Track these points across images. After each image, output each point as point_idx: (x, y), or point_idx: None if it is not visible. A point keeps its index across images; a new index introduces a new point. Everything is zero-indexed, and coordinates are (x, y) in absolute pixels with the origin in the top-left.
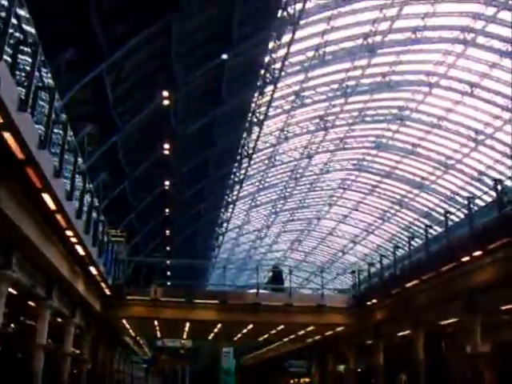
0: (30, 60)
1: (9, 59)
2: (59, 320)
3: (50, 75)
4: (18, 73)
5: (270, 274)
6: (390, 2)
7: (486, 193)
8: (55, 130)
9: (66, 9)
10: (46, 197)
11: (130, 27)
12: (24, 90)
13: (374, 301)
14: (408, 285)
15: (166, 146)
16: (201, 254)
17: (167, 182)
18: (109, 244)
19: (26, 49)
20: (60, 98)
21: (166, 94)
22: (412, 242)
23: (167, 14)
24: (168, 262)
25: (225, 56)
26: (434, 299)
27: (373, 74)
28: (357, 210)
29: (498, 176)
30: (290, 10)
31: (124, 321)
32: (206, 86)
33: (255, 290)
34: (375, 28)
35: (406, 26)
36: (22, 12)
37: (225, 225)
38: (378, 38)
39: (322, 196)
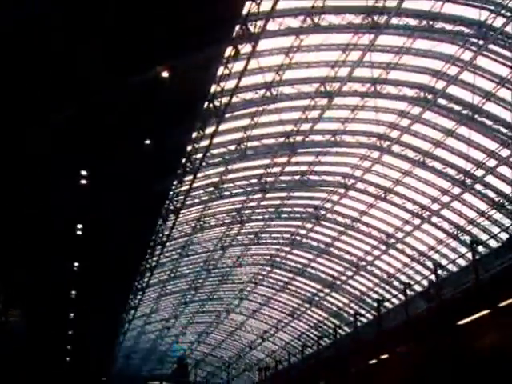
0: None
1: None
2: None
3: None
4: None
5: (175, 366)
6: (312, 104)
7: (395, 296)
8: None
9: None
10: None
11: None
12: None
13: None
14: None
15: (79, 225)
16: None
17: (76, 264)
18: None
19: None
20: None
21: (84, 172)
22: (320, 342)
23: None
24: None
25: (147, 141)
26: None
27: (291, 172)
28: (267, 306)
29: (406, 280)
30: (217, 102)
31: None
32: (125, 170)
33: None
34: (297, 128)
35: (326, 128)
36: None
37: (132, 312)
38: (298, 138)
39: (233, 289)
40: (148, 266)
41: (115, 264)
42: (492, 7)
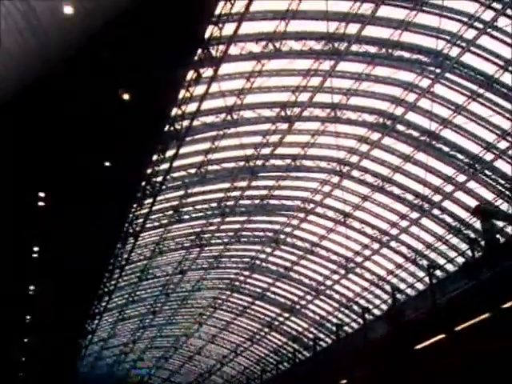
0: None
1: None
2: None
3: None
4: None
5: None
6: (273, 128)
7: (354, 320)
8: None
9: None
10: None
11: None
12: None
13: None
14: None
15: (36, 248)
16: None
17: (32, 287)
18: None
19: None
20: None
21: (42, 194)
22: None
23: None
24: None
25: (107, 163)
26: None
27: (251, 196)
28: (226, 330)
29: (365, 304)
30: (177, 125)
31: None
32: (84, 193)
33: None
34: (257, 152)
35: (286, 153)
36: None
37: (89, 336)
38: (259, 162)
39: (192, 313)
40: (106, 289)
41: (72, 288)
42: (448, 37)
